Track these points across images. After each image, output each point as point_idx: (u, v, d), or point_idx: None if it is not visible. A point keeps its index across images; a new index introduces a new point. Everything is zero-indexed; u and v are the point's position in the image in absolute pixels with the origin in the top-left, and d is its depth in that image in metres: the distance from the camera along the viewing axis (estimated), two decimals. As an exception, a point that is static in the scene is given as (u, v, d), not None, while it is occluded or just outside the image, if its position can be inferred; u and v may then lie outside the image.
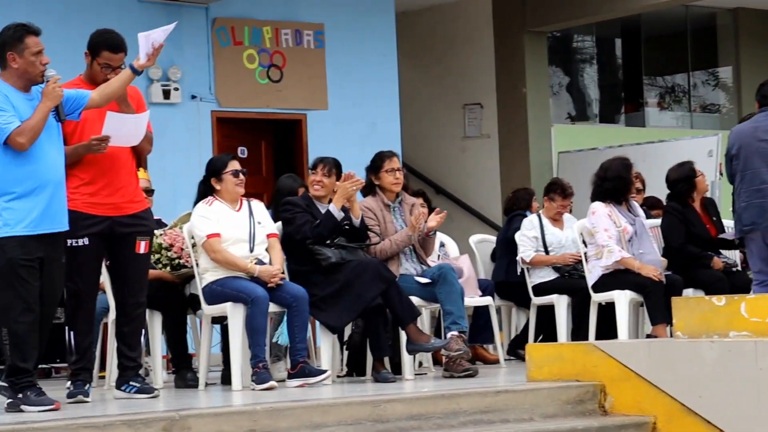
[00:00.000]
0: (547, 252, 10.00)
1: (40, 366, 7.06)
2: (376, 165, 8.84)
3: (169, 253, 8.48)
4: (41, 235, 6.77)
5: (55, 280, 6.90)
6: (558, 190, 10.23)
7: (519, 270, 10.05)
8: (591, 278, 9.40)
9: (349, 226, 8.38)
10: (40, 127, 6.74)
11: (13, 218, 6.71)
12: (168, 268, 8.48)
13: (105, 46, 7.36)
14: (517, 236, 10.11)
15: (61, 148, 6.97)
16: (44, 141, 6.81)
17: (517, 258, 10.04)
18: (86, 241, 7.21)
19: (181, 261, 8.47)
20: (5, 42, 6.84)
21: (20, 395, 6.70)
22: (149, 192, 9.08)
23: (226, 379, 8.48)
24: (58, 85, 6.83)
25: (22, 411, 6.64)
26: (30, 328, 6.75)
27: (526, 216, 10.55)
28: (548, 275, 9.95)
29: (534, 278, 9.98)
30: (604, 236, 9.30)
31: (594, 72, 16.97)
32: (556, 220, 10.21)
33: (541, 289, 9.95)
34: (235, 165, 8.25)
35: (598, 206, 9.43)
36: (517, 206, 11.02)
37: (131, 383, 7.41)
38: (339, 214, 8.33)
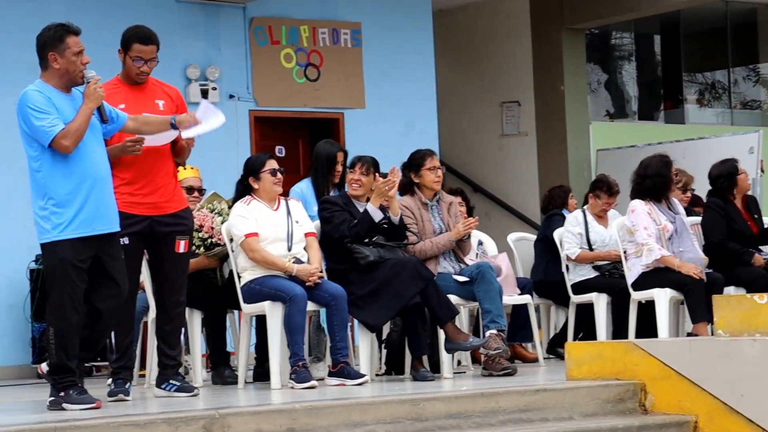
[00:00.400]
0: (591, 249, 9.96)
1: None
2: (416, 163, 8.82)
3: (200, 234, 8.49)
4: (92, 236, 6.79)
5: (117, 276, 6.88)
6: (604, 187, 10.19)
7: (565, 266, 10.00)
8: (630, 276, 9.36)
9: (388, 224, 8.37)
10: (83, 129, 6.76)
11: (62, 220, 6.74)
12: (202, 249, 8.49)
13: (135, 39, 7.40)
14: (559, 233, 10.07)
15: (105, 148, 7.01)
16: (89, 142, 6.82)
17: (562, 255, 10.01)
18: (126, 240, 7.23)
19: (213, 240, 8.46)
20: (46, 42, 6.86)
21: (62, 393, 6.74)
22: (200, 191, 9.08)
23: (258, 377, 8.49)
24: (99, 85, 6.85)
25: (63, 409, 6.68)
26: (75, 328, 6.77)
27: (562, 215, 10.52)
28: (588, 273, 9.91)
29: (573, 276, 9.95)
30: (643, 234, 9.25)
31: (633, 69, 16.89)
32: (601, 217, 10.16)
33: (581, 288, 9.91)
34: (272, 164, 8.26)
35: (638, 204, 9.39)
36: (552, 205, 11.01)
37: (171, 382, 7.43)
38: (377, 214, 8.32)
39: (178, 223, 7.44)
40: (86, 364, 9.67)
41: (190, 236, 7.57)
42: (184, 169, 8.72)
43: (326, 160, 8.98)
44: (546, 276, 10.28)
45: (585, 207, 10.34)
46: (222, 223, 8.33)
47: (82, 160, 6.78)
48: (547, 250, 10.34)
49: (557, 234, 10.17)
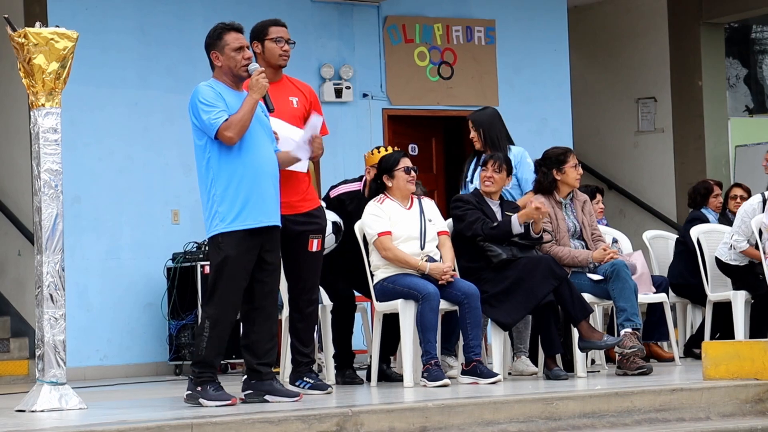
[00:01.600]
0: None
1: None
2: (559, 159, 8.71)
3: None
4: (257, 229, 6.86)
5: (270, 280, 6.97)
6: None
7: (731, 256, 9.70)
8: None
9: (525, 237, 8.30)
10: (247, 119, 6.82)
11: (229, 213, 6.81)
12: None
13: (270, 23, 7.55)
14: (697, 231, 9.83)
15: (273, 140, 7.08)
16: (257, 133, 6.90)
17: (727, 241, 9.73)
18: None
19: None
20: (208, 44, 7.02)
21: (199, 388, 6.83)
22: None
23: (379, 377, 8.43)
24: (263, 76, 6.92)
25: (200, 404, 6.78)
26: (230, 325, 6.87)
27: (704, 219, 10.30)
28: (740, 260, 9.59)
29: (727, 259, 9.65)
30: None
31: (773, 63, 16.57)
32: None
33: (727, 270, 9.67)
34: (406, 162, 8.27)
35: None
36: (693, 201, 10.81)
37: (305, 379, 7.49)
38: (517, 228, 8.26)
39: (311, 222, 7.50)
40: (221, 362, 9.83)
41: (323, 235, 7.61)
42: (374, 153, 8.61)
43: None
44: (683, 279, 10.10)
45: (765, 192, 9.84)
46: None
47: (248, 153, 6.85)
48: (686, 252, 10.18)
49: (695, 232, 9.98)
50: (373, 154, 8.58)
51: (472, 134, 8.96)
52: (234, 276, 6.81)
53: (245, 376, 7.08)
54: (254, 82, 6.88)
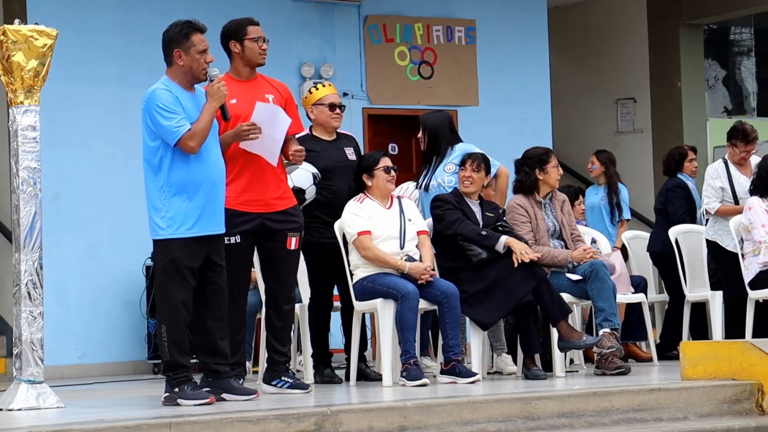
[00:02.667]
0: (736, 202, 9.58)
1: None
2: (541, 159, 8.73)
3: None
4: (203, 237, 6.88)
5: (220, 280, 6.99)
6: (740, 135, 9.80)
7: (705, 221, 9.74)
8: (748, 275, 9.20)
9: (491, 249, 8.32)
10: (208, 129, 6.84)
11: (177, 219, 6.82)
12: None
13: (247, 23, 7.57)
14: (703, 188, 9.76)
15: (221, 148, 7.07)
16: (209, 141, 6.90)
17: (701, 210, 9.76)
18: (238, 238, 7.31)
19: None
20: (172, 39, 6.95)
21: (176, 389, 6.84)
22: (341, 107, 8.67)
23: (347, 375, 8.45)
24: (223, 84, 6.91)
25: (178, 404, 6.78)
26: (186, 325, 6.87)
27: (683, 188, 10.28)
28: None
29: (711, 234, 9.61)
30: (761, 232, 9.09)
31: (752, 64, 16.61)
32: (742, 165, 9.77)
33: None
34: (386, 161, 8.28)
35: (755, 201, 9.22)
36: (668, 168, 10.72)
37: (283, 378, 7.49)
38: (500, 249, 8.24)
39: (289, 221, 7.50)
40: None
41: (301, 233, 7.61)
42: (324, 87, 8.59)
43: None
44: (664, 248, 10.07)
45: (725, 156, 9.93)
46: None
47: (201, 161, 6.85)
48: (664, 220, 10.20)
49: (673, 233, 9.98)
50: (311, 93, 8.49)
51: (419, 134, 9.02)
52: (182, 275, 6.82)
53: (202, 375, 7.06)
54: (215, 90, 6.88)
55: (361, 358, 8.50)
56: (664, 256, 10.12)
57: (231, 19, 7.64)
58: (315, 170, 8.15)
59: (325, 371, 8.49)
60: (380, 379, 8.09)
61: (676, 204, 10.31)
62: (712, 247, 9.66)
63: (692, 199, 10.44)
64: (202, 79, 6.94)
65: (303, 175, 8.03)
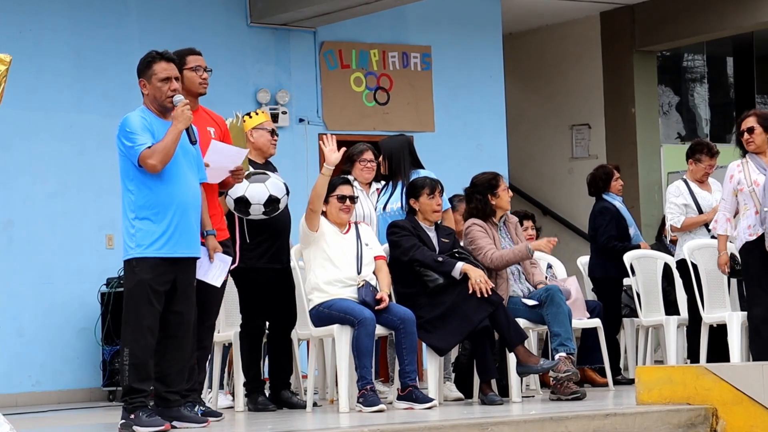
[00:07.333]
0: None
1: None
2: (492, 185, 8.78)
3: None
4: (173, 258, 6.86)
5: (189, 304, 6.97)
6: (704, 149, 9.84)
7: (668, 240, 9.78)
8: (738, 244, 8.82)
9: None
10: (171, 148, 6.85)
11: (145, 240, 6.82)
12: None
13: (186, 53, 7.59)
14: (665, 207, 9.79)
15: (198, 172, 7.08)
16: (182, 164, 6.94)
17: (666, 227, 9.79)
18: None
19: None
20: (138, 69, 7.08)
21: (132, 416, 6.79)
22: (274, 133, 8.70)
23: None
24: (188, 108, 6.95)
25: (133, 431, 6.72)
26: (150, 350, 6.83)
27: (611, 207, 10.33)
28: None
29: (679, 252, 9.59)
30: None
31: (705, 91, 16.75)
32: (703, 182, 9.83)
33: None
34: (344, 190, 8.26)
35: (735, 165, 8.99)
36: (595, 189, 10.76)
37: (199, 407, 7.41)
38: (456, 276, 8.25)
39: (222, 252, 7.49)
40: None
41: (229, 269, 7.56)
42: (257, 114, 8.59)
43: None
44: (605, 272, 10.13)
45: (685, 175, 9.98)
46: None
47: (171, 183, 6.87)
48: (596, 247, 10.27)
49: (628, 258, 10.04)
50: (251, 117, 8.46)
51: (380, 159, 9.08)
52: (148, 300, 6.80)
53: (152, 403, 7.01)
54: (179, 113, 6.92)
55: (286, 384, 8.46)
56: (604, 280, 10.19)
57: (176, 50, 7.64)
58: (284, 181, 8.19)
59: (259, 399, 8.41)
60: (303, 406, 8.18)
61: (601, 230, 10.35)
62: (685, 269, 9.43)
63: (622, 218, 10.48)
64: (168, 106, 6.98)
65: (279, 185, 8.07)
